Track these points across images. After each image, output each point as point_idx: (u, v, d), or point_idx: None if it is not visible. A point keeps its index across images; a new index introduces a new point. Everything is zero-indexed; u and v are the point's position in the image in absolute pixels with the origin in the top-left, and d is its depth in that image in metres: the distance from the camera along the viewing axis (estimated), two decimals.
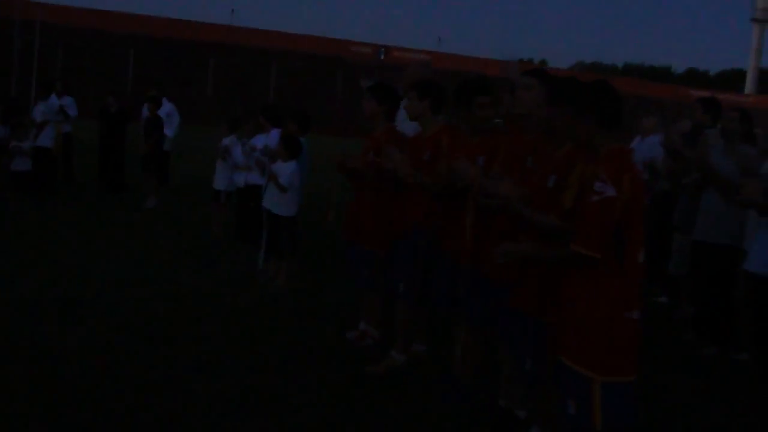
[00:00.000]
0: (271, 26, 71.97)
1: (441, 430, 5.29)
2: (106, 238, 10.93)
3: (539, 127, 4.78)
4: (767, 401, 6.49)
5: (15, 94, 35.33)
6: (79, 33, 51.11)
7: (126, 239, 11.04)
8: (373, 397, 5.74)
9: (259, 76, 53.46)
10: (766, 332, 6.48)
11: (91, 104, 16.30)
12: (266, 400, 5.57)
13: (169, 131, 14.98)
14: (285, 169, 8.65)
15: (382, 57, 61.28)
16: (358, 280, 6.73)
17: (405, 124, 6.68)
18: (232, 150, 11.29)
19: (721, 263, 7.52)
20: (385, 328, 6.83)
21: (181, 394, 5.56)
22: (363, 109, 6.63)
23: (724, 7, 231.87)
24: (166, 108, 15.26)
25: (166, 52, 52.66)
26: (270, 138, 9.97)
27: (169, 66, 50.14)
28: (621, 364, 4.07)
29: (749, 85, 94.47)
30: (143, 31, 54.58)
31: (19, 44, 41.84)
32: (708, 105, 8.93)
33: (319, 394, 5.74)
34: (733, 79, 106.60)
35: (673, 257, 8.74)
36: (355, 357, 6.54)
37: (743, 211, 6.96)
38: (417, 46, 70.89)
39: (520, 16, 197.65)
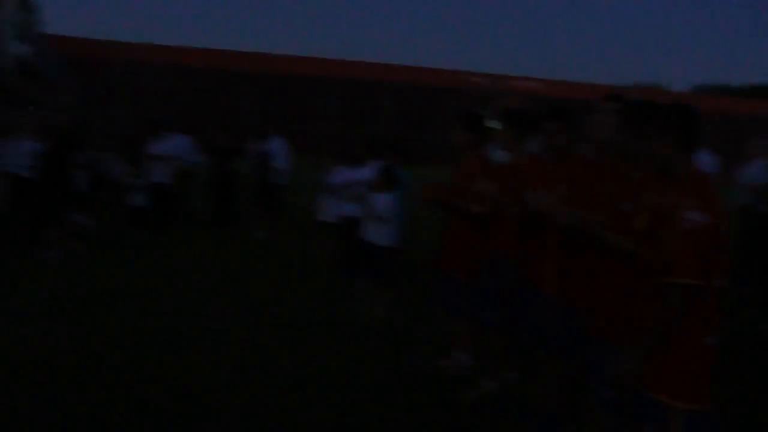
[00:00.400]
0: (385, 59, 72.64)
1: None
2: (218, 270, 11.30)
3: (617, 151, 4.74)
4: None
5: (131, 132, 36.83)
6: (197, 72, 52.99)
7: (235, 270, 11.38)
8: (464, 424, 5.75)
9: (374, 109, 54.20)
10: None
11: (207, 140, 16.88)
12: (361, 426, 5.66)
13: (279, 165, 15.35)
14: (382, 200, 8.77)
15: (498, 86, 61.25)
16: (450, 308, 6.77)
17: (499, 152, 6.72)
18: (337, 182, 11.50)
19: None
20: (477, 355, 6.83)
21: (278, 412, 5.71)
22: (452, 139, 6.70)
23: None
24: (277, 142, 15.65)
25: (284, 88, 54.01)
26: (371, 170, 10.12)
27: (287, 101, 51.39)
28: (700, 391, 3.98)
29: None
30: (262, 69, 56.13)
31: (136, 83, 43.69)
32: None
33: (411, 420, 5.80)
34: None
35: None
36: (448, 384, 6.57)
37: None
38: (533, 74, 70.39)
39: (636, 39, 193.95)
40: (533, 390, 6.07)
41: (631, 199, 4.34)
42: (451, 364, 6.97)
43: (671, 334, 3.98)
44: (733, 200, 10.67)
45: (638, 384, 4.12)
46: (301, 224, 15.96)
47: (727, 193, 6.59)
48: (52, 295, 9.28)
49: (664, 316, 3.96)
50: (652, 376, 4.03)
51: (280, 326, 8.34)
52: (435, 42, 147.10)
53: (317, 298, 9.85)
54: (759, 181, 9.00)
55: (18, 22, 55.68)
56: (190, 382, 6.44)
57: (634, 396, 4.18)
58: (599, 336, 4.62)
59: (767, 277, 8.53)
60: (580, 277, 4.97)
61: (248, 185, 15.17)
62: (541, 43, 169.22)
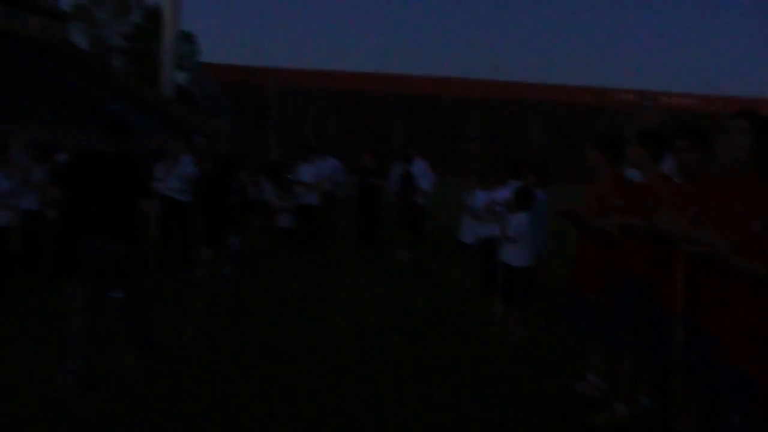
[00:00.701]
0: (532, 79, 72.08)
1: None
2: (361, 289, 11.57)
3: (749, 170, 4.62)
4: None
5: (276, 155, 37.99)
6: (345, 94, 54.08)
7: (378, 289, 11.61)
8: None
9: (522, 128, 53.90)
10: None
11: (354, 162, 17.33)
12: None
13: (422, 186, 15.53)
14: (515, 221, 8.78)
15: (648, 104, 59.75)
16: (582, 328, 6.70)
17: (632, 172, 6.64)
18: (476, 202, 11.56)
19: None
20: (610, 378, 6.73)
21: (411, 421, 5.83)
22: (586, 159, 6.66)
23: None
24: (420, 165, 15.84)
25: (429, 110, 54.45)
26: (509, 191, 10.14)
27: (433, 123, 51.78)
28: None
29: None
30: (409, 91, 56.75)
31: (288, 107, 44.94)
32: None
33: None
34: None
35: None
36: (581, 407, 6.50)
37: None
38: (685, 90, 68.30)
39: None
40: (666, 415, 5.94)
41: (762, 219, 4.23)
42: (585, 387, 6.90)
43: None
44: None
45: None
46: (442, 245, 16.07)
47: None
48: (204, 311, 9.75)
49: None
50: None
51: (418, 346, 8.46)
52: (583, 58, 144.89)
53: (455, 318, 9.92)
54: None
55: (178, 52, 58.50)
56: (333, 400, 6.63)
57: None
58: (732, 361, 4.49)
59: None
60: (712, 299, 4.86)
61: (392, 206, 15.45)
62: (694, 57, 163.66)
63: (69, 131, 24.76)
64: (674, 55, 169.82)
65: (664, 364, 5.69)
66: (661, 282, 5.55)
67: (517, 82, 63.26)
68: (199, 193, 12.72)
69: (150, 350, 7.49)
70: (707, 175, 5.35)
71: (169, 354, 7.64)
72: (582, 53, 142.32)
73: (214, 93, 55.61)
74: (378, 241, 16.12)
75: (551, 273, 11.82)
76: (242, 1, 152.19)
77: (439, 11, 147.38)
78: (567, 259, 12.28)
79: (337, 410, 6.36)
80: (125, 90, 45.62)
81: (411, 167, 15.18)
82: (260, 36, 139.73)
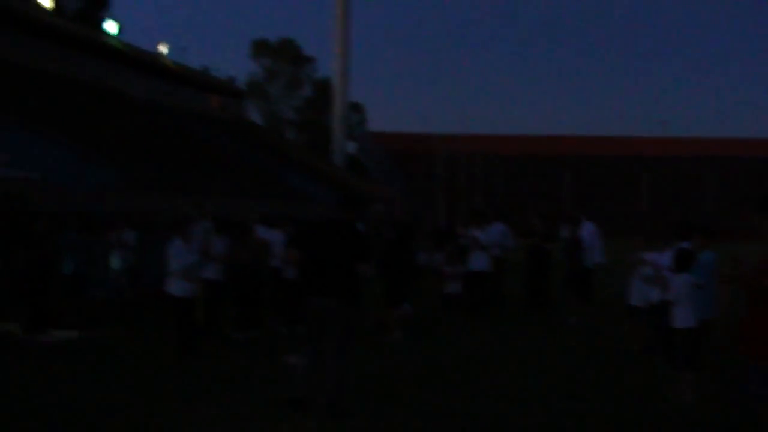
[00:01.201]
0: (704, 133, 69.99)
1: None
2: (530, 354, 11.71)
3: None
4: None
5: (443, 221, 38.46)
6: (511, 158, 54.23)
7: (543, 354, 11.71)
8: None
9: (695, 186, 52.40)
10: None
11: (523, 226, 17.53)
12: None
13: (590, 250, 15.49)
14: (677, 282, 8.80)
15: None
16: (753, 395, 6.62)
17: None
18: (645, 265, 11.51)
19: None
20: None
21: None
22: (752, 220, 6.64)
23: None
24: (588, 227, 15.82)
25: (598, 170, 53.83)
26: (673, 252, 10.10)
27: (603, 183, 51.13)
28: None
29: None
30: (576, 151, 56.36)
31: (456, 173, 45.49)
32: None
33: None
34: None
35: None
36: None
37: None
38: None
39: None
40: None
41: None
42: None
43: None
44: None
45: None
46: (612, 308, 15.92)
47: None
48: (380, 374, 10.13)
49: None
50: None
51: (584, 410, 8.52)
52: (763, 109, 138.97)
53: (623, 381, 9.90)
54: None
55: (347, 122, 60.47)
56: None
57: None
58: None
59: None
60: None
61: (561, 270, 15.52)
62: None
63: (246, 203, 26.13)
64: None
65: None
66: None
67: (688, 138, 61.68)
68: (381, 259, 13.19)
69: (340, 411, 7.95)
70: None
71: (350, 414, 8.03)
72: (760, 104, 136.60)
73: (383, 161, 57.04)
74: (547, 306, 16.16)
75: (722, 336, 11.58)
76: (409, 71, 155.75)
77: (605, 71, 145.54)
78: (730, 321, 12.02)
79: None
80: (299, 161, 47.56)
81: (579, 230, 15.24)
82: (427, 103, 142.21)
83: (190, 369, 10.38)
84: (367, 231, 14.84)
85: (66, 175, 19.75)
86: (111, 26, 45.34)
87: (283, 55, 76.89)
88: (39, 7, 40.63)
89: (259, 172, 36.84)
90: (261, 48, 77.08)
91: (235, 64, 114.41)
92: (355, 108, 76.06)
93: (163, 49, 48.85)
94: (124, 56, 43.69)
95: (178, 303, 10.96)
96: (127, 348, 11.92)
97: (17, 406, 8.52)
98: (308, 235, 8.41)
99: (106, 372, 10.33)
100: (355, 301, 8.10)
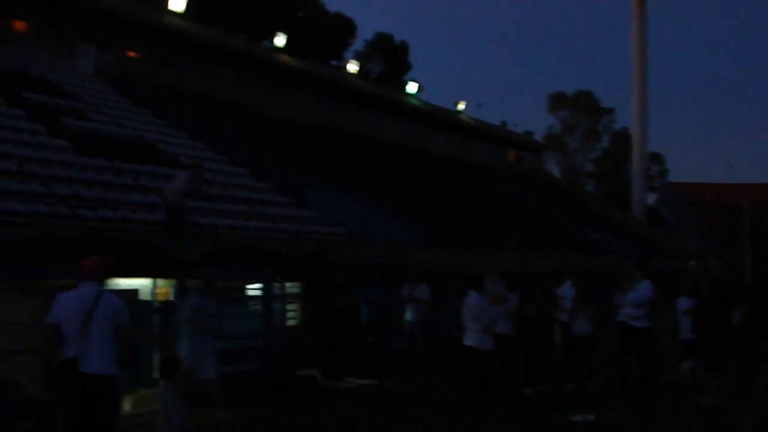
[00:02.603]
0: None
1: None
2: None
3: None
4: None
5: (752, 276, 35.92)
6: None
7: None
8: None
9: None
10: None
11: None
12: None
13: None
14: None
15: None
16: None
17: None
18: None
19: None
20: None
21: None
22: None
23: None
24: None
25: None
26: None
27: None
28: None
29: None
30: None
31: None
32: None
33: None
34: None
35: None
36: None
37: None
38: None
39: None
40: None
41: None
42: None
43: None
44: None
45: None
46: None
47: None
48: None
49: None
50: None
51: None
52: None
53: None
54: None
55: (647, 173, 58.73)
56: None
57: None
58: None
59: None
60: None
61: None
62: None
63: (539, 257, 26.04)
64: None
65: None
66: None
67: None
68: (697, 319, 12.38)
69: None
70: None
71: None
72: None
73: (685, 213, 54.68)
74: None
75: None
76: (709, 119, 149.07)
77: None
78: None
79: None
80: (597, 214, 46.76)
81: None
82: (729, 152, 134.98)
83: (478, 421, 10.42)
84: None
85: (368, 230, 20.73)
86: (411, 86, 47.51)
87: (580, 107, 76.39)
88: (346, 72, 43.52)
89: (556, 226, 36.62)
90: (558, 101, 77.11)
91: (532, 118, 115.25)
92: (655, 158, 73.68)
93: (461, 106, 50.37)
94: (424, 114, 45.55)
95: (478, 356, 10.96)
96: (419, 397, 12.22)
97: None
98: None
99: (398, 419, 10.64)
100: None
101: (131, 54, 29.58)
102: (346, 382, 13.72)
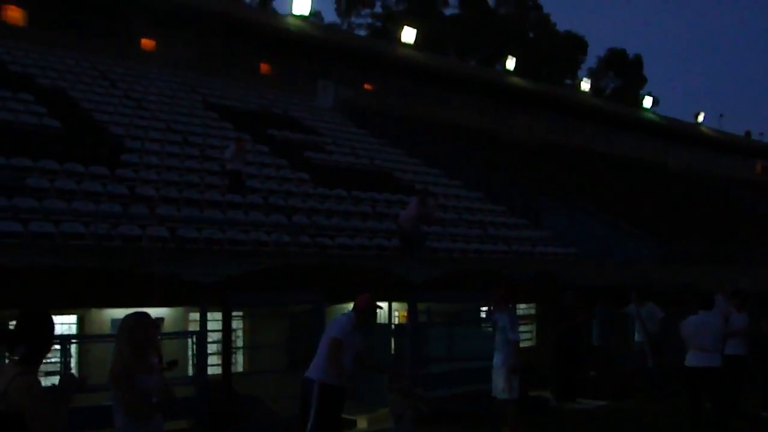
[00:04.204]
0: None
1: None
2: None
3: None
4: None
5: None
6: None
7: None
8: None
9: None
10: None
11: None
12: None
13: None
14: None
15: None
16: None
17: None
18: None
19: None
20: None
21: None
22: None
23: None
24: None
25: None
26: None
27: None
28: None
29: None
30: None
31: None
32: None
33: None
34: None
35: None
36: None
37: None
38: None
39: None
40: None
41: None
42: None
43: None
44: None
45: None
46: None
47: None
48: None
49: None
50: None
51: None
52: None
53: None
54: None
55: None
56: None
57: None
58: None
59: None
60: None
61: None
62: None
63: None
64: None
65: None
66: None
67: None
68: None
69: None
70: None
71: None
72: None
73: None
74: None
75: None
76: None
77: None
78: None
79: None
80: None
81: None
82: None
83: None
84: None
85: (603, 250, 20.58)
86: (647, 101, 46.40)
87: None
88: (579, 90, 43.19)
89: None
90: None
91: None
92: None
93: (700, 117, 48.51)
94: (662, 128, 44.25)
95: (712, 375, 10.45)
96: (651, 419, 12.10)
97: None
98: None
99: None
100: None
101: (367, 86, 31.05)
102: (579, 403, 13.72)
